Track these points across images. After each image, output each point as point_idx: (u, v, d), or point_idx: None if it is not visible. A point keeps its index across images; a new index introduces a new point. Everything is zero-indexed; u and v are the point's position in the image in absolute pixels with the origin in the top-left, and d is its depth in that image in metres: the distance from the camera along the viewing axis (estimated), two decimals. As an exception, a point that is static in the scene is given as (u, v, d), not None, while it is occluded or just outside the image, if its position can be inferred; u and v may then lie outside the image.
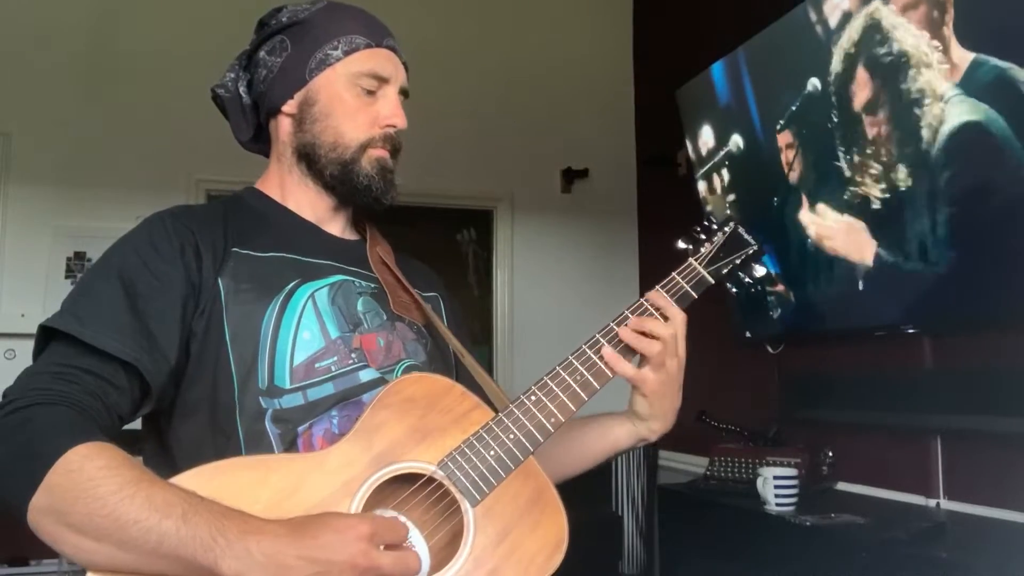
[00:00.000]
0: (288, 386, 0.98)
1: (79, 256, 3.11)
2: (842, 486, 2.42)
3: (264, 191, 1.14)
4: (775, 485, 2.17)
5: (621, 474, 3.35)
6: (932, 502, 2.13)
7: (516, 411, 0.99)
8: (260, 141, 1.17)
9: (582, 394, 1.02)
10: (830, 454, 2.45)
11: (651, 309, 1.06)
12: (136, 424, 1.02)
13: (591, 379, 1.02)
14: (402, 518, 0.90)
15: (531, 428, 0.98)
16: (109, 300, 0.94)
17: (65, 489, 0.80)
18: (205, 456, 0.93)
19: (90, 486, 0.80)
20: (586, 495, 3.23)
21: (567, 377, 1.02)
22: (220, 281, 1.00)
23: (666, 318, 1.06)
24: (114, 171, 3.17)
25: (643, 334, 1.04)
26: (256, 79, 1.12)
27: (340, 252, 1.12)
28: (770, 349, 2.74)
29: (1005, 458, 1.94)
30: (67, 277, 3.09)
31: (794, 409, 2.60)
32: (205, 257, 1.00)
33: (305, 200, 1.12)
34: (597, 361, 1.03)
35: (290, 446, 0.97)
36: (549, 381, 1.01)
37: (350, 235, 1.17)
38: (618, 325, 1.05)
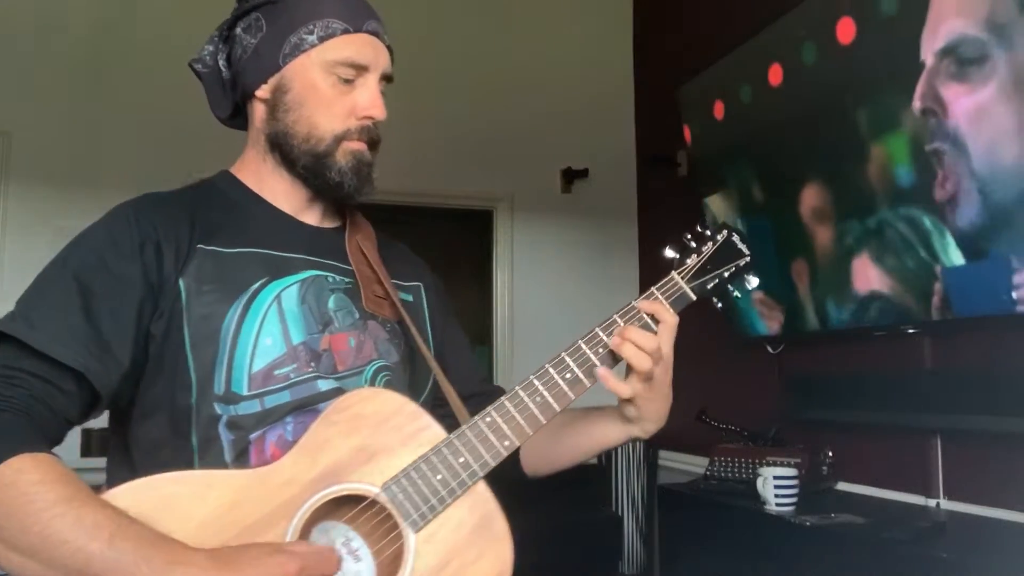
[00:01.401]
0: (245, 393, 0.95)
1: (79, 256, 3.11)
2: (842, 486, 2.42)
3: (239, 177, 1.09)
4: (775, 485, 2.17)
5: (621, 474, 3.35)
6: (932, 502, 2.13)
7: (468, 432, 0.94)
8: (240, 117, 1.11)
9: (540, 417, 0.97)
10: (830, 454, 2.45)
11: (642, 315, 1.01)
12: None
13: (552, 400, 0.97)
14: (350, 533, 0.89)
15: (482, 451, 0.94)
16: (62, 301, 0.91)
17: None
18: (162, 458, 0.92)
19: (23, 502, 0.78)
20: (586, 495, 3.23)
21: (525, 398, 0.97)
22: (181, 281, 0.96)
23: (657, 322, 1.01)
24: (114, 171, 3.17)
25: (635, 345, 0.98)
26: (233, 56, 1.06)
27: (315, 244, 1.06)
28: (770, 349, 2.74)
29: (1005, 458, 1.94)
30: (67, 277, 3.09)
31: (794, 409, 2.60)
32: (167, 255, 0.96)
33: (280, 189, 1.07)
34: (560, 383, 0.98)
35: (241, 453, 0.94)
36: (507, 402, 0.97)
37: (329, 223, 1.11)
38: (605, 332, 1.00)
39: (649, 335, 0.99)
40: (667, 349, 1.00)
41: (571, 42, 3.81)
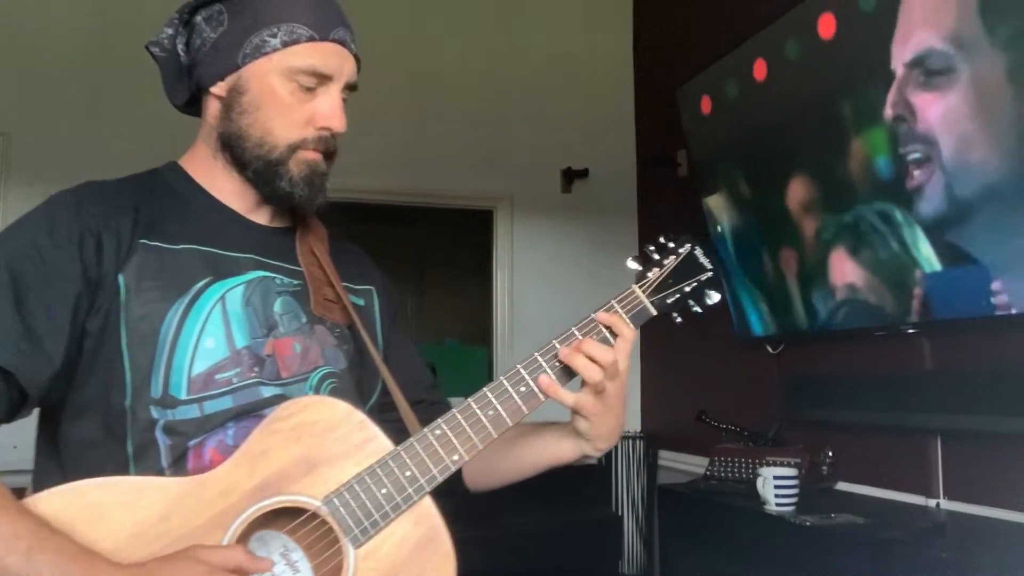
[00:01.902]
0: (184, 397, 0.91)
1: (79, 256, 3.11)
2: (842, 486, 2.42)
3: (187, 170, 1.05)
4: (775, 485, 2.17)
5: (621, 474, 3.35)
6: (932, 502, 2.13)
7: (416, 445, 0.92)
8: (197, 105, 1.06)
9: (492, 431, 0.95)
10: (830, 454, 2.45)
11: (601, 328, 0.99)
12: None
13: (504, 414, 0.95)
14: (290, 544, 0.88)
15: (430, 465, 0.91)
16: None
17: None
18: (93, 460, 0.89)
19: None
20: (586, 495, 3.24)
21: (478, 411, 0.94)
22: (121, 277, 0.91)
23: (615, 335, 0.99)
24: (114, 171, 3.16)
25: (587, 357, 0.97)
26: (192, 44, 1.01)
27: (264, 244, 1.02)
28: (770, 349, 2.74)
29: (1005, 458, 1.94)
30: (67, 277, 3.09)
31: (794, 409, 2.60)
32: (107, 249, 0.92)
33: (229, 188, 1.03)
34: (531, 383, 0.97)
35: (179, 459, 0.90)
36: (459, 415, 0.94)
37: (279, 222, 1.07)
38: (562, 345, 0.98)
39: (603, 348, 0.97)
40: (623, 364, 0.98)
41: (571, 42, 3.81)
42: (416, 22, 3.55)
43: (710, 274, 1.07)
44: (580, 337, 0.99)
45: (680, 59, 3.27)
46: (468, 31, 3.69)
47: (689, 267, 1.06)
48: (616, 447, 3.35)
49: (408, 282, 4.73)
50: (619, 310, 1.01)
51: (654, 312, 1.04)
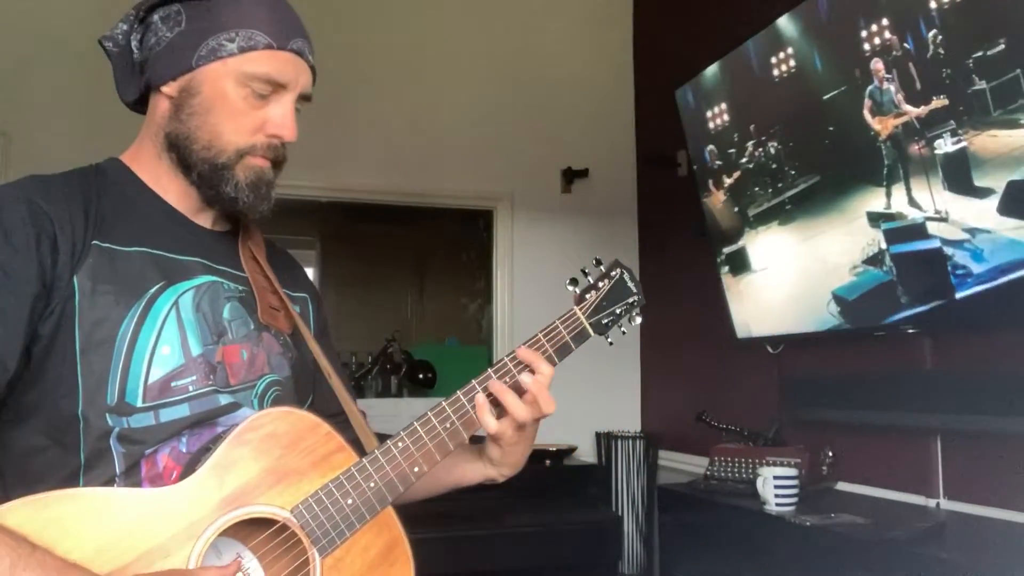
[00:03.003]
0: (139, 404, 0.89)
1: (79, 256, 3.11)
2: (842, 486, 2.42)
3: (131, 168, 1.03)
4: (775, 485, 2.17)
5: (621, 474, 3.35)
6: (932, 502, 2.13)
7: (381, 458, 0.95)
8: (146, 104, 1.05)
9: (449, 443, 0.99)
10: (830, 454, 2.45)
11: (521, 364, 1.04)
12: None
13: (461, 428, 1.00)
14: (250, 560, 0.89)
15: (393, 477, 0.95)
16: None
17: None
18: (35, 467, 0.87)
19: None
20: (586, 495, 3.24)
21: (437, 425, 0.98)
22: (75, 279, 0.89)
23: (533, 372, 1.03)
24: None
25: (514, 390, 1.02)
26: (145, 41, 1.00)
27: (209, 248, 1.02)
28: (770, 349, 2.74)
29: (1005, 458, 1.94)
30: (67, 277, 3.08)
31: (794, 409, 2.60)
32: (62, 250, 0.89)
33: (174, 189, 1.01)
34: (470, 410, 1.01)
35: (132, 467, 0.89)
36: (419, 428, 0.98)
37: (221, 226, 1.06)
38: (496, 375, 1.03)
39: (539, 388, 1.02)
40: (542, 399, 1.02)
41: (571, 42, 3.81)
42: (416, 22, 3.55)
43: (636, 297, 1.14)
44: (546, 342, 1.06)
45: (680, 59, 3.27)
46: (468, 31, 3.69)
47: (619, 291, 1.13)
48: (616, 447, 3.35)
49: (408, 282, 4.73)
50: (545, 344, 1.06)
51: (592, 333, 1.11)
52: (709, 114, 2.85)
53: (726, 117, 2.77)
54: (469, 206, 3.70)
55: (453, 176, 3.57)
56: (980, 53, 1.86)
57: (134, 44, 1.01)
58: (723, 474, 2.57)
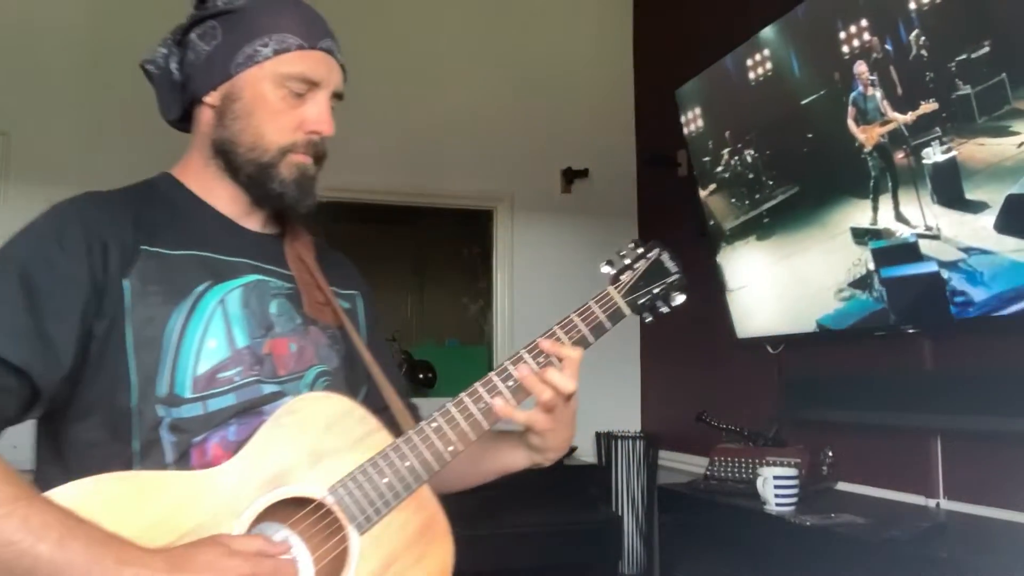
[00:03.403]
0: (188, 395, 0.95)
1: (79, 256, 3.11)
2: (842, 486, 2.42)
3: (180, 179, 1.09)
4: (775, 485, 2.17)
5: (621, 474, 3.35)
6: (932, 502, 2.13)
7: (415, 438, 0.98)
8: (188, 120, 1.11)
9: (484, 422, 1.01)
10: (830, 454, 2.45)
11: (550, 350, 1.05)
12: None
13: (494, 407, 1.02)
14: (290, 535, 0.91)
15: (428, 456, 0.97)
16: (6, 299, 0.90)
17: None
18: (98, 460, 0.91)
19: None
20: (586, 495, 3.24)
21: (471, 405, 1.01)
22: (126, 282, 0.95)
23: (560, 359, 1.04)
24: (114, 171, 3.16)
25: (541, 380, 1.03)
26: (185, 60, 1.07)
27: (257, 249, 1.07)
28: (770, 349, 2.74)
29: (1005, 458, 1.94)
30: (67, 277, 3.08)
31: (794, 409, 2.60)
32: (112, 255, 0.95)
33: (222, 195, 1.07)
34: (504, 390, 1.02)
35: (183, 456, 0.94)
36: (452, 408, 1.00)
37: (270, 229, 1.12)
38: (514, 364, 1.04)
39: (559, 374, 1.03)
40: (573, 385, 1.04)
41: (571, 42, 3.81)
42: (416, 22, 3.55)
43: (677, 277, 1.14)
44: (562, 335, 1.06)
45: (680, 59, 3.27)
46: (468, 31, 3.69)
47: (657, 271, 1.13)
48: (616, 447, 3.35)
49: (408, 282, 4.73)
50: (563, 337, 1.07)
51: (628, 312, 1.11)
52: (683, 119, 2.81)
53: (700, 123, 2.74)
54: (469, 206, 3.70)
55: (453, 176, 3.57)
56: (964, 56, 1.77)
57: (173, 66, 1.07)
58: (723, 474, 2.57)
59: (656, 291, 1.12)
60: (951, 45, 1.81)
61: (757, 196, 2.52)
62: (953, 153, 1.85)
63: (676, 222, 3.29)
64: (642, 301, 1.12)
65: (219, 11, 1.05)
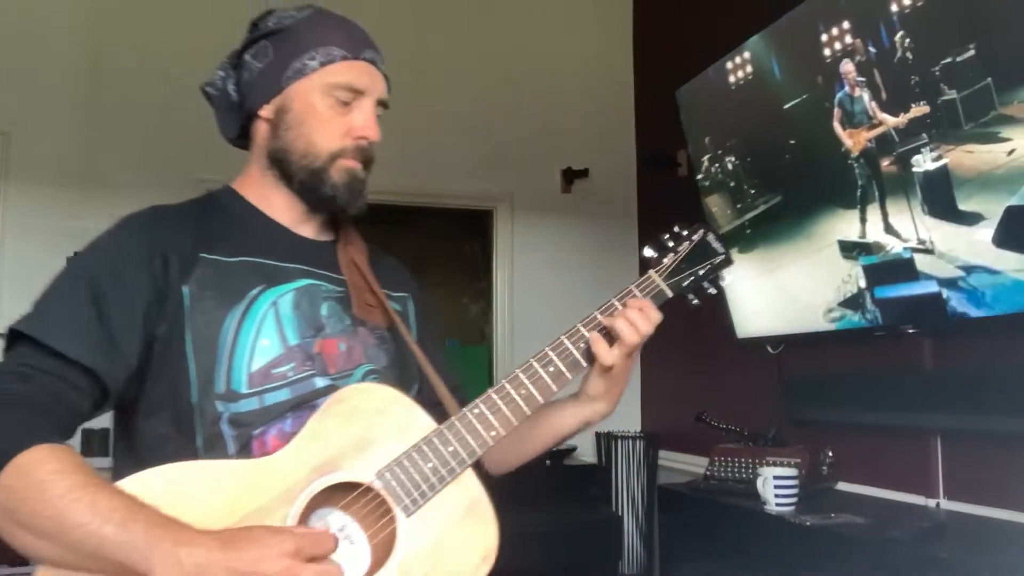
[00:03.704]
0: (245, 391, 1.01)
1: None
2: (842, 486, 2.42)
3: (240, 192, 1.16)
4: (775, 485, 2.17)
5: (621, 474, 3.35)
6: (932, 502, 2.13)
7: (457, 423, 1.02)
8: (246, 138, 1.18)
9: (525, 408, 1.05)
10: (830, 454, 2.45)
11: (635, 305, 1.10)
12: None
13: (535, 393, 1.06)
14: (345, 519, 0.96)
15: (470, 440, 1.01)
16: (75, 304, 0.98)
17: (15, 490, 0.84)
18: (167, 453, 0.97)
19: (39, 489, 0.84)
20: (586, 495, 3.24)
21: (511, 391, 1.05)
22: (185, 288, 1.02)
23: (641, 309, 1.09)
24: (114, 171, 3.17)
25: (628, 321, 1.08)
26: (241, 80, 1.14)
27: (310, 255, 1.13)
28: (770, 349, 2.74)
29: (1005, 458, 1.94)
30: (67, 277, 3.09)
31: (794, 409, 2.60)
32: (172, 264, 1.03)
33: (279, 203, 1.14)
34: (559, 363, 1.07)
35: (244, 448, 1.00)
36: (494, 394, 1.05)
37: (324, 236, 1.18)
38: (586, 328, 1.10)
39: (641, 314, 1.08)
40: (648, 332, 1.09)
41: (571, 42, 3.81)
42: (416, 22, 3.55)
43: (722, 257, 1.16)
44: (602, 321, 1.09)
45: (680, 59, 3.27)
46: (468, 31, 3.69)
47: (702, 252, 1.16)
48: (616, 447, 3.35)
49: (408, 282, 4.72)
50: (639, 294, 1.11)
51: (670, 294, 1.14)
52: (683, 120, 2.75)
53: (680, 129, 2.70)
54: (469, 206, 3.70)
55: (453, 176, 3.57)
56: (948, 59, 1.71)
57: (231, 87, 1.15)
58: (723, 474, 2.56)
59: (701, 272, 1.15)
60: (935, 48, 1.76)
61: (739, 206, 2.46)
62: (944, 161, 1.79)
63: (676, 222, 3.29)
64: (686, 283, 1.14)
65: (270, 31, 1.12)
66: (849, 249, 2.10)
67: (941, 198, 1.83)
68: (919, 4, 1.79)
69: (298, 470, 0.95)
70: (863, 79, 1.96)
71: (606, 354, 1.08)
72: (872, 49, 1.94)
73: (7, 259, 3.05)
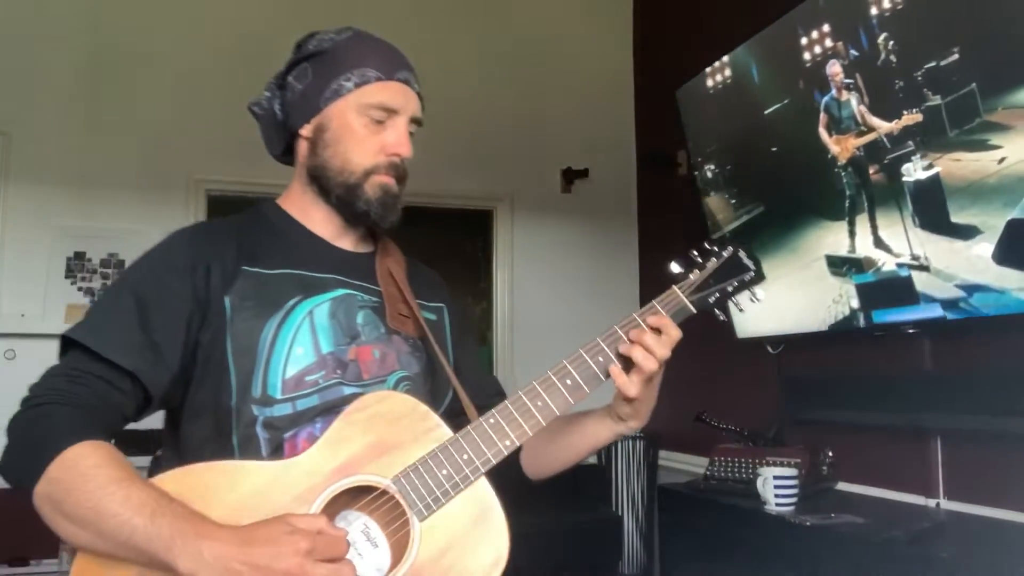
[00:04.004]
0: (279, 396, 1.07)
1: (79, 256, 3.11)
2: (842, 486, 2.42)
3: (283, 206, 1.22)
4: (775, 485, 2.17)
5: (621, 474, 3.35)
6: (932, 502, 2.13)
7: (472, 432, 1.05)
8: (291, 155, 1.24)
9: (540, 419, 1.07)
10: (830, 454, 2.45)
11: (647, 325, 1.10)
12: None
13: (552, 405, 1.07)
14: (369, 522, 1.00)
15: (484, 449, 1.04)
16: (121, 312, 1.05)
17: (60, 481, 0.92)
18: (206, 455, 1.04)
19: (81, 481, 0.92)
20: (586, 495, 3.24)
21: (527, 402, 1.07)
22: (227, 298, 1.09)
23: (660, 333, 1.10)
24: (114, 171, 3.17)
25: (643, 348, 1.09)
26: (285, 100, 1.21)
27: (347, 266, 1.19)
28: (770, 349, 2.74)
29: (1005, 458, 1.94)
30: (67, 277, 3.08)
31: (794, 409, 2.59)
32: (215, 275, 1.09)
33: (318, 217, 1.20)
34: (576, 377, 1.07)
35: (276, 450, 1.06)
36: (510, 405, 1.07)
37: (363, 248, 1.24)
38: (606, 343, 1.10)
39: (659, 339, 1.09)
40: (665, 357, 1.10)
41: (571, 42, 3.81)
42: (415, 23, 3.55)
43: (753, 273, 1.16)
44: (622, 335, 1.10)
45: (680, 59, 3.27)
46: (468, 31, 3.69)
47: (731, 268, 1.16)
48: (616, 447, 3.35)
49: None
50: (662, 310, 1.12)
51: (693, 310, 1.14)
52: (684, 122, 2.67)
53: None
54: (469, 206, 3.70)
55: (453, 176, 3.57)
56: (932, 64, 1.63)
57: (276, 107, 1.22)
58: (723, 474, 2.56)
59: (728, 289, 1.15)
60: (920, 52, 1.69)
61: (720, 216, 2.39)
62: (936, 170, 1.71)
63: (676, 222, 3.29)
64: (712, 299, 1.15)
65: (310, 54, 1.18)
66: (838, 265, 2.00)
67: (933, 210, 1.75)
68: (899, 7, 1.73)
69: (318, 472, 1.00)
70: (851, 81, 1.88)
71: (626, 385, 1.09)
72: (854, 52, 1.87)
73: (7, 259, 3.05)
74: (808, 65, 1.99)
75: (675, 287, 1.14)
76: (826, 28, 1.94)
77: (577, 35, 3.83)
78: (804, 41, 2.00)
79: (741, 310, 1.17)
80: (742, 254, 1.16)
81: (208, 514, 0.93)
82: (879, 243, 1.90)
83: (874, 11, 1.78)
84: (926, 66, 1.68)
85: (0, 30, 3.12)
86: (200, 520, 0.92)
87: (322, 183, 1.17)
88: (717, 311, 1.16)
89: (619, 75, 3.88)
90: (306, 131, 1.18)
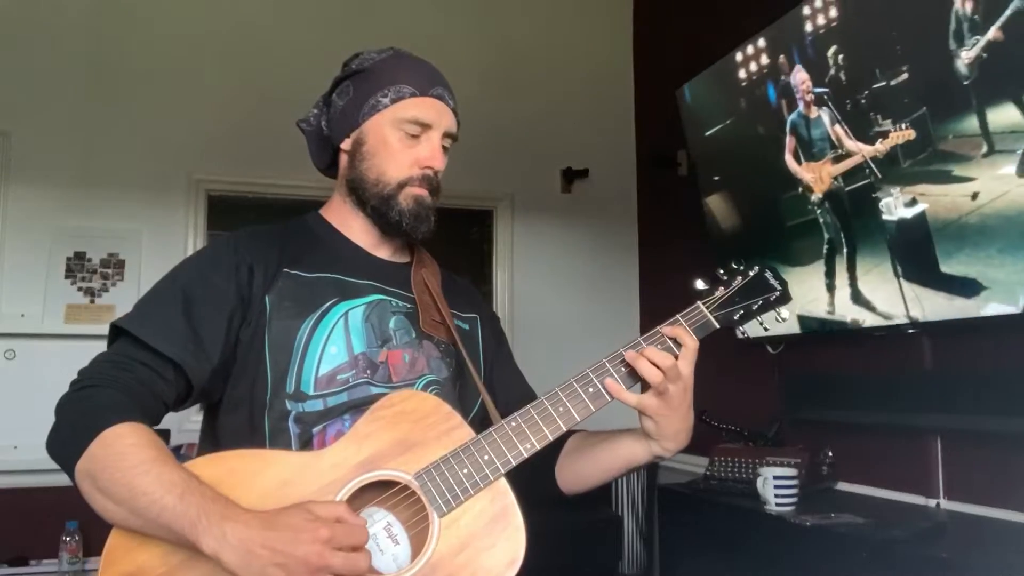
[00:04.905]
0: (311, 392, 1.13)
1: (79, 256, 3.11)
2: (842, 486, 2.42)
3: (325, 216, 1.29)
4: (775, 485, 2.17)
5: (621, 474, 3.35)
6: (932, 502, 2.13)
7: (494, 434, 1.08)
8: (336, 168, 1.31)
9: (562, 425, 1.10)
10: (830, 454, 2.45)
11: (666, 339, 1.14)
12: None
13: (573, 412, 1.10)
14: (392, 519, 1.03)
15: (505, 451, 1.07)
16: (168, 305, 1.12)
17: (99, 458, 0.98)
18: (239, 444, 1.09)
19: (118, 459, 0.97)
20: (586, 496, 3.23)
21: (549, 407, 1.10)
22: (267, 298, 1.15)
23: (679, 345, 1.13)
24: (114, 171, 3.17)
25: (650, 361, 1.11)
26: (329, 116, 1.28)
27: (383, 273, 1.25)
28: (770, 349, 2.74)
29: (1005, 458, 1.94)
30: (67, 277, 3.08)
31: (794, 409, 2.60)
32: (257, 276, 1.16)
33: (357, 226, 1.27)
34: (598, 384, 1.12)
35: (306, 443, 1.11)
36: (532, 409, 1.10)
37: (400, 258, 1.30)
38: (626, 351, 1.13)
39: (663, 353, 1.12)
40: (686, 370, 1.14)
41: (571, 42, 3.81)
42: (414, 22, 3.55)
43: (779, 293, 1.19)
44: (644, 345, 1.13)
45: (680, 59, 3.27)
46: (467, 30, 3.69)
47: (757, 287, 1.20)
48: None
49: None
50: (683, 322, 1.16)
51: (717, 326, 1.18)
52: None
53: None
54: (469, 206, 3.70)
55: (453, 176, 3.55)
56: (882, 84, 1.41)
57: (323, 124, 1.29)
58: (723, 474, 2.56)
59: (753, 307, 1.18)
60: (867, 71, 1.45)
61: (720, 217, 2.20)
62: (921, 207, 1.40)
63: (676, 222, 3.29)
64: (736, 316, 1.18)
65: (352, 72, 1.25)
66: (810, 328, 1.65)
67: (920, 258, 1.45)
68: (833, 24, 1.46)
69: (343, 465, 1.04)
70: (826, 91, 1.56)
71: (619, 392, 1.12)
72: (805, 71, 1.54)
73: (7, 259, 3.05)
74: (743, 84, 1.73)
75: (699, 302, 1.18)
76: (762, 43, 1.64)
77: (577, 35, 3.82)
78: (739, 57, 1.74)
79: (766, 329, 1.19)
80: (768, 274, 1.19)
81: (235, 499, 0.96)
82: (856, 297, 1.56)
83: (809, 28, 1.62)
84: (874, 86, 1.44)
85: (0, 30, 3.12)
86: (226, 503, 0.95)
87: (359, 194, 1.23)
88: (740, 328, 1.20)
89: (619, 75, 3.88)
90: (346, 145, 1.24)
